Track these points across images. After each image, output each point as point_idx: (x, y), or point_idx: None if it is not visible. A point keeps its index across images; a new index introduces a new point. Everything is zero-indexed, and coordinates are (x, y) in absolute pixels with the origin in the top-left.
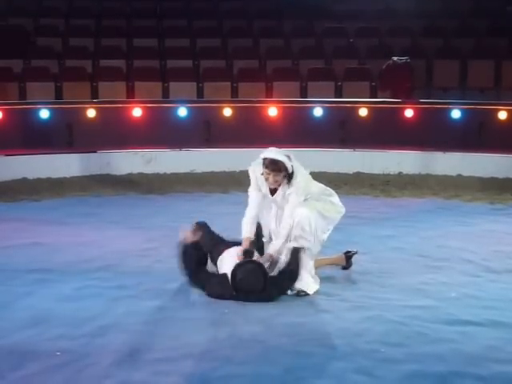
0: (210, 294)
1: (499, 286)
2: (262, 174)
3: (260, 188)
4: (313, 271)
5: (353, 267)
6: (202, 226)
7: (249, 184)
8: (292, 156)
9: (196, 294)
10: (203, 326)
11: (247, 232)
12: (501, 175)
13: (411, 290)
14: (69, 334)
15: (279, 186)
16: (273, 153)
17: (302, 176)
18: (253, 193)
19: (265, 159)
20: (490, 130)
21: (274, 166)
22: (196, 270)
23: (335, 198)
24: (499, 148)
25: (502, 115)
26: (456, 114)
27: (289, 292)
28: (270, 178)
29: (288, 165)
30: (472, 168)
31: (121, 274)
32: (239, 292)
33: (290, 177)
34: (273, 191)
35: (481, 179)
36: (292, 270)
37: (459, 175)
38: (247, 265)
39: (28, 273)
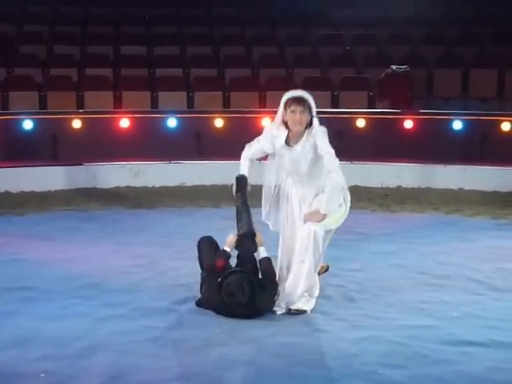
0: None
1: (503, 304)
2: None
3: (272, 141)
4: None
5: (351, 285)
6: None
7: None
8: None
9: (185, 312)
10: (193, 347)
11: (245, 171)
12: (504, 189)
13: (411, 309)
14: (53, 354)
15: (303, 128)
16: (298, 91)
17: (323, 132)
18: (261, 140)
19: (290, 98)
20: (493, 142)
21: (301, 102)
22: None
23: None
24: (502, 161)
25: (506, 126)
26: (457, 125)
27: (278, 311)
28: (297, 115)
29: (313, 107)
30: (474, 181)
31: (107, 292)
32: (225, 299)
33: (309, 125)
34: (290, 141)
35: (483, 193)
36: (273, 282)
37: (461, 189)
38: (237, 273)
39: (10, 291)
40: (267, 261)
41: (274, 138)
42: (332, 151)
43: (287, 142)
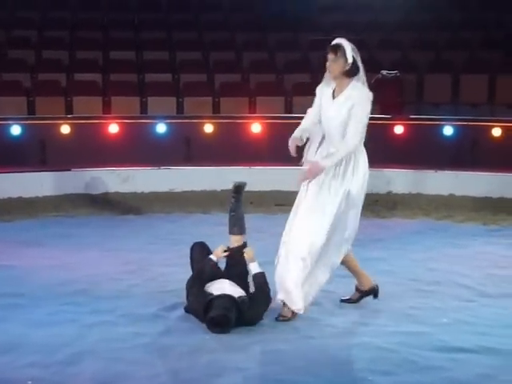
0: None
1: (493, 310)
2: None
3: (320, 97)
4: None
5: (340, 291)
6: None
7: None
8: (359, 54)
9: (174, 319)
10: (182, 354)
11: (295, 134)
12: (495, 195)
13: (401, 316)
14: (41, 361)
15: (338, 77)
16: (338, 39)
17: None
18: (310, 109)
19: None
20: (484, 148)
21: (332, 49)
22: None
23: None
24: (493, 166)
25: (496, 132)
26: (448, 130)
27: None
28: (328, 63)
29: (348, 53)
30: (465, 187)
31: (96, 299)
32: (212, 329)
33: (350, 73)
34: (335, 93)
35: (474, 199)
36: (266, 296)
37: (451, 195)
38: (220, 300)
39: None
40: (261, 276)
41: (322, 93)
42: (362, 122)
43: (333, 94)
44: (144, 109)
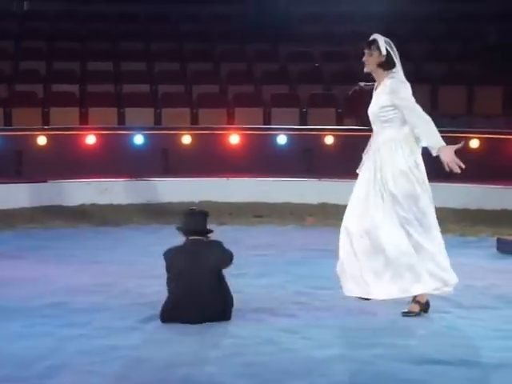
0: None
1: (470, 322)
2: None
3: None
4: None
5: (318, 303)
6: None
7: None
8: (395, 49)
9: (150, 331)
10: (158, 367)
11: None
12: (473, 206)
13: (378, 328)
14: (15, 375)
15: (372, 69)
16: (373, 35)
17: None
18: None
19: None
20: (462, 159)
21: (367, 44)
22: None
23: None
24: (471, 178)
25: (474, 143)
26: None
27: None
28: (364, 57)
29: (382, 45)
30: (443, 199)
31: (72, 312)
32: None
33: (386, 66)
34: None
35: (452, 210)
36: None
37: None
38: None
39: None
40: None
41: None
42: (410, 104)
43: (375, 87)
44: (121, 120)
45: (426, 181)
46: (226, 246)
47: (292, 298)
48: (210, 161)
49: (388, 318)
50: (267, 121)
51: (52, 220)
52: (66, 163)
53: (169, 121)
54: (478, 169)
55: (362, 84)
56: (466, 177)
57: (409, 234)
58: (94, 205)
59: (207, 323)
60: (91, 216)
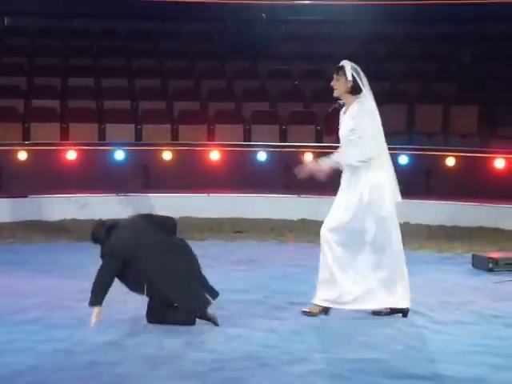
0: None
1: (446, 337)
2: None
3: None
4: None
5: (296, 318)
6: None
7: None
8: (362, 74)
9: (131, 347)
10: (136, 382)
11: None
12: (449, 223)
13: (356, 343)
14: None
15: (340, 94)
16: (342, 61)
17: (366, 109)
18: None
19: None
20: (438, 177)
21: (335, 70)
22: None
23: None
24: (447, 195)
25: (450, 161)
26: (403, 159)
27: None
28: (332, 84)
29: (348, 72)
30: (419, 216)
31: (51, 327)
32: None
33: (353, 91)
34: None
35: (428, 227)
36: None
37: (406, 223)
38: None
39: None
40: None
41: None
42: (364, 134)
43: (344, 110)
44: (102, 136)
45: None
46: (207, 261)
47: (272, 313)
48: (190, 177)
49: (365, 332)
50: (247, 138)
51: (32, 235)
52: (47, 178)
53: (149, 137)
54: (453, 186)
55: (340, 102)
56: (442, 194)
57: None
58: (74, 220)
59: (186, 338)
60: (71, 231)
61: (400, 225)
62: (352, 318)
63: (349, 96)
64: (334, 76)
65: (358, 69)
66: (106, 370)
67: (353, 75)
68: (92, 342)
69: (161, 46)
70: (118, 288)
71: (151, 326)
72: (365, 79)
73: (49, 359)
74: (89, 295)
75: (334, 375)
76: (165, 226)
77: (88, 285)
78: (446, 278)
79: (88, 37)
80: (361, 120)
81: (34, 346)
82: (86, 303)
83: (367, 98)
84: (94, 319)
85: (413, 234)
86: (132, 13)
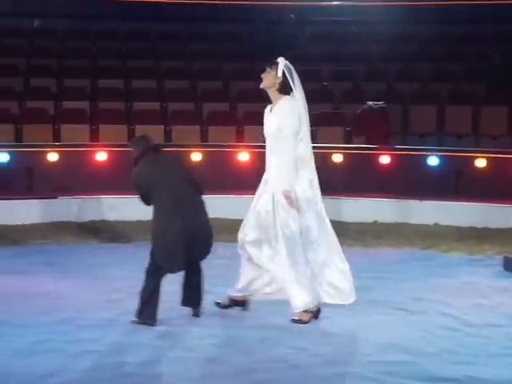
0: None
1: (478, 340)
2: None
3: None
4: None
5: (326, 320)
6: None
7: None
8: (296, 76)
9: (161, 348)
10: (168, 383)
11: None
12: (479, 225)
13: (387, 345)
14: None
15: (266, 87)
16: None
17: (292, 108)
18: None
19: None
20: (468, 178)
21: (268, 63)
22: None
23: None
24: (477, 196)
25: (480, 163)
26: (433, 160)
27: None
28: (262, 75)
29: (280, 69)
30: (449, 217)
31: (82, 328)
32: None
33: (281, 90)
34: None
35: (458, 229)
36: None
37: (436, 224)
38: None
39: None
40: None
41: (267, 108)
42: (289, 132)
43: (271, 108)
44: (132, 137)
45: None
46: (236, 262)
47: None
48: (218, 178)
49: (395, 335)
50: None
51: (62, 236)
52: (77, 179)
53: (179, 138)
54: (483, 188)
55: (370, 103)
56: (472, 196)
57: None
58: (104, 221)
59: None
60: (101, 232)
61: (430, 226)
62: (383, 319)
63: (276, 93)
64: (267, 69)
65: (293, 70)
66: (136, 371)
67: (284, 72)
68: (122, 342)
69: (189, 47)
70: None
71: (180, 328)
72: (298, 82)
73: (79, 360)
74: (120, 296)
75: (364, 378)
76: (194, 182)
77: (118, 286)
78: (477, 280)
79: (117, 38)
80: (287, 119)
81: (64, 347)
82: (117, 304)
83: (296, 100)
84: None
85: (443, 236)
86: (160, 14)
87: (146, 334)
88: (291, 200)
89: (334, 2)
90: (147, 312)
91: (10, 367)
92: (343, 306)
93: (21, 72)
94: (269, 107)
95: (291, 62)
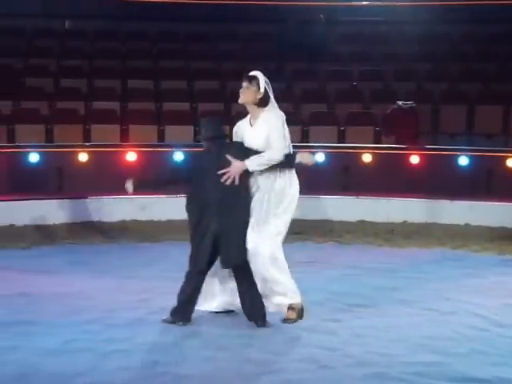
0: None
1: (508, 341)
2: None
3: (237, 130)
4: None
5: (357, 320)
6: None
7: None
8: (270, 87)
9: (190, 348)
10: (197, 383)
11: None
12: (510, 225)
13: (417, 345)
14: None
15: (245, 103)
16: (253, 71)
17: (277, 117)
18: None
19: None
20: (499, 178)
21: (247, 78)
22: None
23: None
24: (508, 196)
25: (511, 163)
26: (463, 160)
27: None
28: (241, 92)
29: (261, 84)
30: (480, 217)
31: (112, 327)
32: None
33: (261, 103)
34: (251, 121)
35: (489, 228)
36: None
37: (467, 224)
38: None
39: (12, 325)
40: None
41: (238, 129)
42: (281, 141)
43: (250, 123)
44: (161, 137)
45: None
46: None
47: (331, 315)
48: None
49: (426, 335)
50: (305, 138)
51: (92, 236)
52: (107, 179)
53: None
54: None
55: (400, 103)
56: (502, 195)
57: None
58: (133, 220)
59: (246, 340)
60: (131, 232)
61: (460, 226)
62: (412, 319)
63: (255, 107)
64: (245, 84)
65: (269, 82)
66: (167, 371)
67: (265, 88)
68: (153, 342)
69: (219, 47)
70: (175, 289)
71: (209, 327)
72: (271, 92)
73: (108, 359)
74: (149, 295)
75: (394, 378)
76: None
77: (147, 285)
78: (508, 280)
79: (147, 39)
80: (276, 129)
81: (95, 347)
82: (146, 304)
83: (275, 108)
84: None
85: (474, 236)
86: (190, 15)
87: (176, 333)
88: (234, 173)
89: (363, 2)
90: (181, 312)
91: (40, 366)
92: (372, 306)
93: (51, 73)
94: (246, 121)
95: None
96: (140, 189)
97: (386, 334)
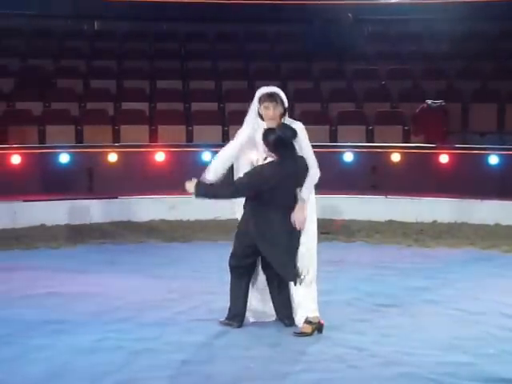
0: None
1: None
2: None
3: (251, 135)
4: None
5: (385, 320)
6: None
7: None
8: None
9: (219, 347)
10: (225, 382)
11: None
12: None
13: (446, 346)
14: None
15: (277, 121)
16: (270, 87)
17: (302, 131)
18: (234, 143)
19: (263, 94)
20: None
21: (273, 98)
22: None
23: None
24: None
25: None
26: (493, 159)
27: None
28: (270, 111)
29: (285, 100)
30: (511, 217)
31: (141, 326)
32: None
33: (283, 115)
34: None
35: (508, 227)
36: None
37: (497, 224)
38: None
39: (43, 324)
40: None
41: (255, 131)
42: (314, 155)
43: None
44: (190, 137)
45: None
46: None
47: (360, 315)
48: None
49: (455, 335)
50: (333, 138)
51: (122, 235)
52: (136, 180)
53: None
54: None
55: (429, 102)
56: None
57: None
58: (162, 220)
59: (274, 339)
60: (160, 232)
61: (490, 226)
62: (441, 319)
63: (275, 122)
64: (272, 104)
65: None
66: (195, 370)
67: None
68: (181, 341)
69: (247, 47)
70: (204, 288)
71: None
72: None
73: (138, 358)
74: (178, 295)
75: (423, 378)
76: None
77: (177, 285)
78: None
79: (175, 39)
80: (305, 140)
81: (124, 345)
82: (175, 303)
83: (294, 121)
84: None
85: (504, 236)
86: (218, 15)
87: (205, 332)
88: (302, 217)
89: (391, 1)
90: (230, 312)
91: (71, 365)
92: (401, 306)
93: (81, 74)
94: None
95: (349, 62)
96: (198, 192)
97: (414, 334)
